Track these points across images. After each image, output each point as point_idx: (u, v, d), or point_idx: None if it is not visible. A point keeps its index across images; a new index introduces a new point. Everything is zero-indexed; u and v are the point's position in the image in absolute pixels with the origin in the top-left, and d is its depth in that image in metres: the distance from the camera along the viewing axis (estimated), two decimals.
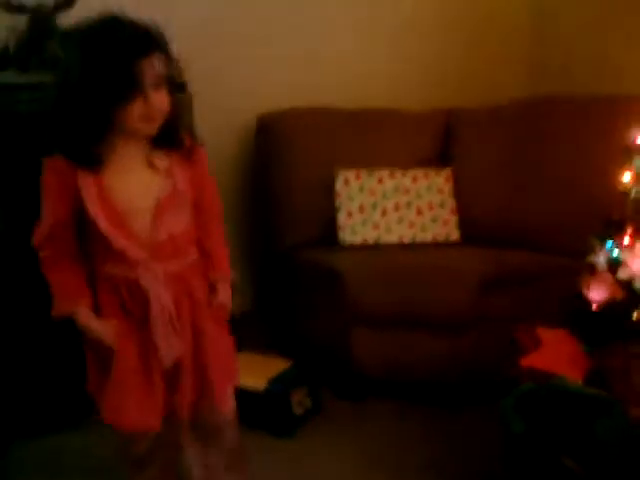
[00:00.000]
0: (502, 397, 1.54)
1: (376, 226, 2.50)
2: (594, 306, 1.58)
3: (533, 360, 1.64)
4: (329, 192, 2.50)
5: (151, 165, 1.36)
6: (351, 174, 2.52)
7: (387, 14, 2.91)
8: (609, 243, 1.65)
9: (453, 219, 2.56)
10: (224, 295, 1.48)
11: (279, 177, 2.57)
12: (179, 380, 1.41)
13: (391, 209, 2.51)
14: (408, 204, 2.53)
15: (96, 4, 2.28)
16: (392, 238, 2.50)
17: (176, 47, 2.18)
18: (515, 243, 2.41)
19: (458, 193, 2.58)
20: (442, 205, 2.56)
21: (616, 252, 1.63)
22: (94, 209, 1.31)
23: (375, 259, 2.31)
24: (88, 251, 1.38)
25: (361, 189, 2.51)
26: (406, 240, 2.50)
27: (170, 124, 1.36)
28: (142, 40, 1.27)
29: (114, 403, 1.37)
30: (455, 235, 2.55)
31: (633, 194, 1.65)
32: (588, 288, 1.59)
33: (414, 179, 2.55)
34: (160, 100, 1.31)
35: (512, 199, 2.50)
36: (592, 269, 1.64)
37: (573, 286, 1.67)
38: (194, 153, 1.41)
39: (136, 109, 1.28)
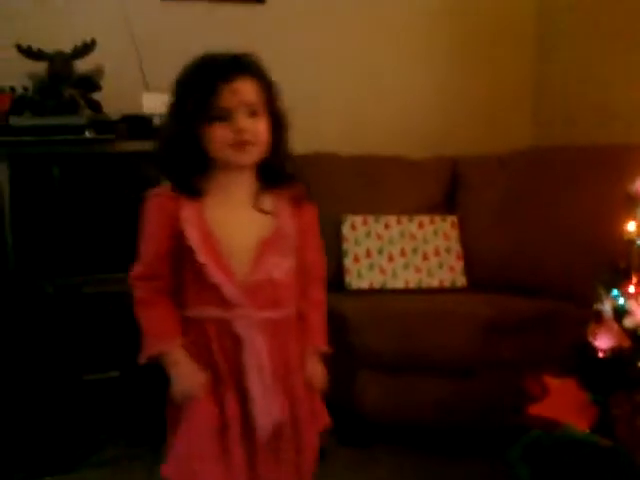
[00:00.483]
0: (509, 445, 1.52)
1: (383, 271, 2.52)
2: (600, 354, 1.58)
3: (540, 408, 1.63)
4: (336, 237, 2.53)
5: (255, 203, 1.27)
6: (358, 219, 2.54)
7: (392, 61, 2.98)
8: (615, 291, 1.65)
9: (459, 265, 2.57)
10: (313, 369, 1.34)
11: None
12: (267, 454, 1.24)
13: (397, 254, 2.53)
14: (414, 250, 2.55)
15: (114, 50, 2.39)
16: (398, 283, 2.51)
17: None
18: (521, 289, 2.42)
19: (464, 239, 2.60)
20: (448, 251, 2.58)
21: (622, 300, 1.63)
22: (194, 240, 1.21)
23: (381, 304, 2.32)
24: (179, 291, 1.27)
25: (368, 234, 2.54)
26: (412, 285, 2.52)
27: (273, 158, 1.27)
28: (226, 65, 1.23)
29: (181, 467, 1.21)
30: (461, 281, 2.56)
31: (638, 243, 1.67)
32: (594, 336, 1.59)
33: (420, 225, 2.58)
34: (252, 127, 1.22)
35: (518, 246, 2.52)
36: (598, 317, 1.65)
37: (580, 334, 1.67)
38: (305, 204, 1.31)
39: (220, 133, 1.21)
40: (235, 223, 1.25)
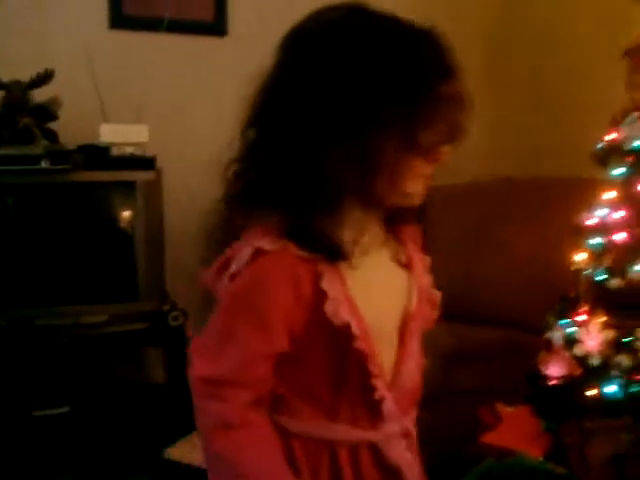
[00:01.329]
0: (463, 474, 1.53)
1: None
2: (551, 382, 1.60)
3: (494, 437, 1.64)
4: None
5: (394, 253, 0.90)
6: None
7: None
8: (565, 320, 1.69)
9: None
10: None
11: None
12: None
13: None
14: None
15: (72, 80, 2.38)
16: None
17: (148, 123, 2.27)
18: (479, 319, 2.44)
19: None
20: None
21: (572, 329, 1.66)
22: (350, 322, 0.81)
23: None
24: (285, 400, 0.85)
25: None
26: None
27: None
28: (443, 53, 0.80)
29: None
30: None
31: (586, 273, 1.71)
32: (545, 364, 1.61)
33: None
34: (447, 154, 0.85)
35: (475, 276, 2.55)
36: (549, 346, 1.68)
37: (533, 362, 1.70)
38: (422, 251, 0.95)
39: (419, 165, 0.82)
40: (378, 291, 0.86)
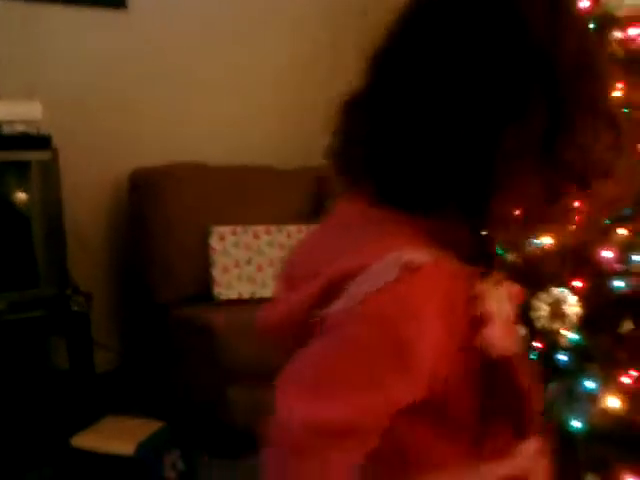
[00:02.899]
0: None
1: (252, 281, 2.51)
2: None
3: None
4: (205, 248, 2.49)
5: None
6: (226, 230, 2.53)
7: (259, 73, 3.00)
8: None
9: None
10: None
11: (153, 233, 2.53)
12: None
13: (266, 264, 2.54)
14: (283, 259, 2.56)
15: None
16: (268, 293, 2.52)
17: (43, 101, 2.17)
18: None
19: None
20: None
21: None
22: (510, 353, 0.69)
23: (249, 314, 2.30)
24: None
25: (236, 245, 2.53)
26: None
27: None
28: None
29: None
30: None
31: None
32: None
33: (289, 235, 2.60)
34: None
35: None
36: None
37: None
38: None
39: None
40: (506, 318, 0.72)
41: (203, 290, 2.49)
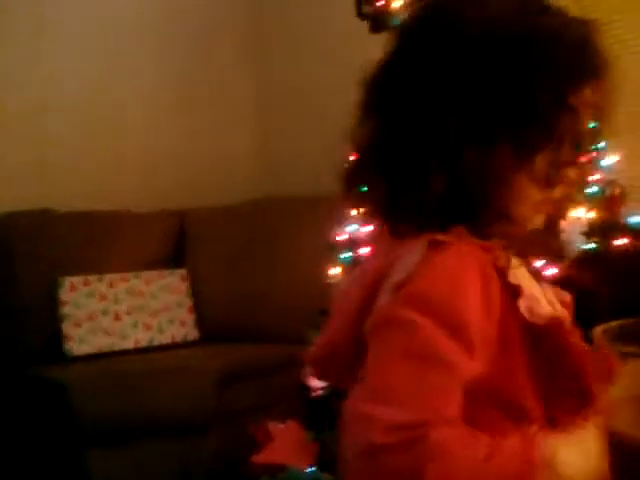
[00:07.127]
0: None
1: (109, 333, 2.37)
2: (315, 393, 1.63)
3: (264, 455, 1.62)
4: (52, 301, 2.32)
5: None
6: (78, 280, 2.37)
7: (118, 112, 2.89)
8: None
9: (191, 318, 2.53)
10: None
11: None
12: None
13: (124, 313, 2.41)
14: (142, 307, 2.45)
15: None
16: (128, 344, 2.38)
17: None
18: (252, 338, 2.44)
19: (194, 292, 2.56)
20: (179, 305, 2.52)
21: None
22: (556, 315, 0.71)
23: (103, 368, 2.18)
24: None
25: (90, 295, 2.38)
26: (143, 344, 2.41)
27: None
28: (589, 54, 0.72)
29: None
30: (194, 334, 2.51)
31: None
32: (308, 376, 1.64)
33: (147, 281, 2.49)
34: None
35: (244, 295, 2.55)
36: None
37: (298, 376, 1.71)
38: None
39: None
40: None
41: (55, 347, 2.31)
